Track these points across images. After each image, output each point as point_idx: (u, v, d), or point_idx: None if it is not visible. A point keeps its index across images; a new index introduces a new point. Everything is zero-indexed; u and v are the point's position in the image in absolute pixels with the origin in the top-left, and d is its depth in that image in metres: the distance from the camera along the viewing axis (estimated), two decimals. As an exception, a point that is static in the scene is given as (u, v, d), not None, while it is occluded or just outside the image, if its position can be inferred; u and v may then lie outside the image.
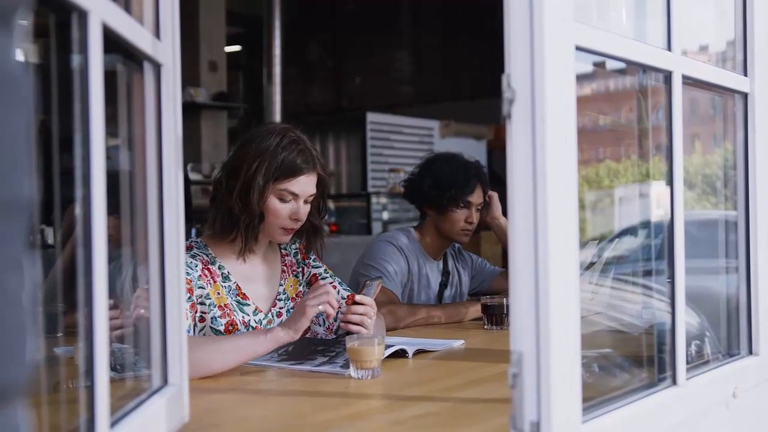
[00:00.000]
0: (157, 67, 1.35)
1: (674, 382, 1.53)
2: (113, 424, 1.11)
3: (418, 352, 2.20)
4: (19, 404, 0.59)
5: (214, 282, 2.21)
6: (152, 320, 1.38)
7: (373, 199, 7.72)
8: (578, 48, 1.25)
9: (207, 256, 2.23)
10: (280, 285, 2.37)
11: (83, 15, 1.00)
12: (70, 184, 1.05)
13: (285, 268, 2.40)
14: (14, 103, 0.57)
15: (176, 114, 1.40)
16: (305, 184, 2.23)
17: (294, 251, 2.45)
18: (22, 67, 0.59)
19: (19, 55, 0.60)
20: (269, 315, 2.30)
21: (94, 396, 1.02)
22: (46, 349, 1.33)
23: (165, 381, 1.38)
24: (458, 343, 2.37)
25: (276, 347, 2.02)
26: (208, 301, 2.17)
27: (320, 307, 2.00)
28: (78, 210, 1.04)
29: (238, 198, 2.18)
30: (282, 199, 2.21)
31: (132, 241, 1.41)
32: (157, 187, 1.36)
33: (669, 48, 1.53)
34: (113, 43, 1.13)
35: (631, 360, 1.74)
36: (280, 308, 2.34)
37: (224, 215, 2.22)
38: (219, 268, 2.24)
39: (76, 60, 1.03)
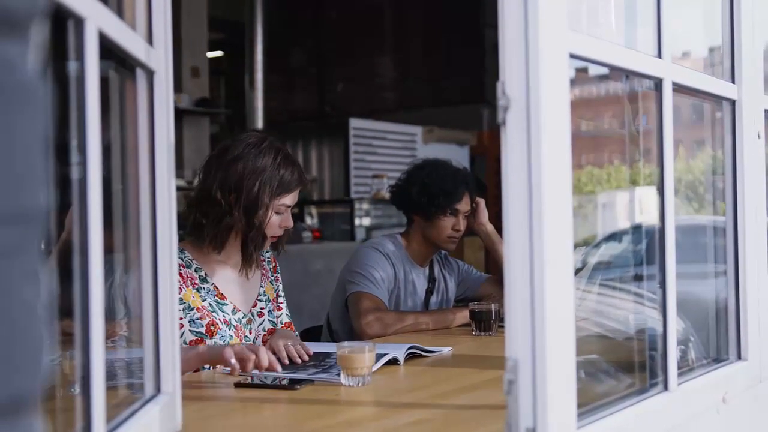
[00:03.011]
0: (150, 74, 1.35)
1: (666, 387, 1.53)
2: (108, 433, 1.10)
3: (410, 357, 2.20)
4: (36, 414, 0.59)
5: (187, 286, 2.26)
6: (145, 329, 1.37)
7: (357, 205, 7.69)
8: (572, 55, 1.26)
9: (182, 259, 2.26)
10: (261, 286, 2.44)
11: (80, 22, 1.00)
12: (59, 191, 1.04)
13: (264, 271, 2.48)
14: (30, 112, 0.57)
15: (169, 121, 1.39)
16: (296, 195, 2.36)
17: (267, 260, 2.53)
18: (37, 76, 0.59)
19: (35, 64, 0.59)
20: (249, 315, 2.37)
21: (90, 405, 1.01)
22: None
23: (158, 389, 1.37)
24: (447, 350, 2.37)
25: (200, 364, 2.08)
26: (182, 306, 2.21)
27: (233, 361, 1.93)
28: (73, 217, 1.03)
29: (244, 216, 2.25)
30: (277, 213, 2.31)
31: (123, 247, 1.40)
32: (150, 194, 1.36)
33: (659, 55, 1.54)
34: (107, 49, 1.12)
35: (620, 366, 1.75)
36: (261, 308, 2.42)
37: (225, 231, 2.28)
38: (196, 271, 2.30)
39: (71, 66, 1.02)
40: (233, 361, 1.91)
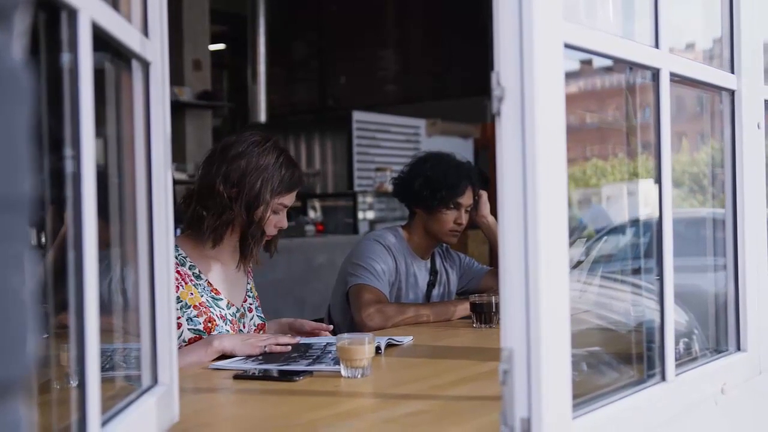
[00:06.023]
0: (145, 65, 1.35)
1: (663, 378, 1.54)
2: (104, 423, 1.10)
3: (389, 346, 2.25)
4: (21, 400, 0.59)
5: (186, 284, 2.28)
6: (142, 320, 1.37)
7: (360, 199, 7.69)
8: (567, 45, 1.26)
9: (176, 257, 2.27)
10: (248, 283, 2.49)
11: (73, 13, 1.00)
12: (55, 185, 1.04)
13: (249, 270, 2.52)
14: (14, 100, 0.57)
15: (165, 113, 1.39)
16: (294, 196, 2.40)
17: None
18: (21, 65, 0.59)
19: (19, 53, 0.59)
20: (242, 309, 2.42)
21: (85, 396, 1.01)
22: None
23: (155, 380, 1.38)
24: (408, 339, 2.40)
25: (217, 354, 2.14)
26: (179, 304, 2.23)
27: (266, 349, 2.15)
28: (67, 211, 1.03)
29: (245, 211, 2.29)
30: (275, 212, 2.34)
31: (120, 241, 1.40)
32: (146, 187, 1.36)
33: (657, 45, 1.54)
34: (101, 41, 1.12)
35: (621, 357, 1.75)
36: (250, 304, 2.47)
37: (225, 225, 2.30)
38: (189, 268, 2.32)
39: (65, 58, 1.02)
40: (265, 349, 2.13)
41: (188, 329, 2.24)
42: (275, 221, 2.36)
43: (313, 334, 2.44)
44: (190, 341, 2.22)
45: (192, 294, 2.28)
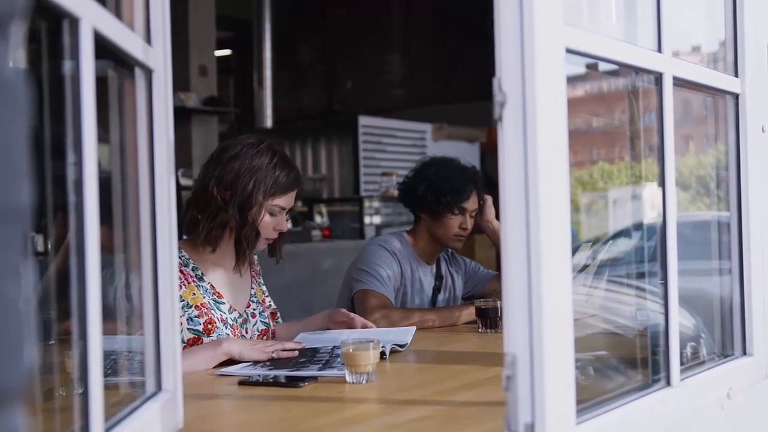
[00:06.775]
0: (148, 72, 1.35)
1: (668, 383, 1.53)
2: (107, 430, 1.10)
3: (393, 352, 2.25)
4: (18, 409, 0.59)
5: (189, 283, 2.29)
6: (146, 327, 1.37)
7: (366, 203, 7.69)
8: (569, 50, 1.26)
9: (180, 258, 2.28)
10: (252, 288, 2.49)
11: (74, 21, 1.00)
12: (62, 191, 1.04)
13: (254, 274, 2.53)
14: (12, 110, 0.58)
15: (168, 120, 1.39)
16: (292, 198, 2.39)
17: (255, 261, 2.59)
18: (19, 74, 0.59)
19: (16, 62, 0.60)
20: (244, 314, 2.42)
21: (89, 402, 1.02)
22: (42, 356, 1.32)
23: (159, 387, 1.38)
24: (411, 330, 2.45)
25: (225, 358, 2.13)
26: (181, 303, 2.24)
27: (273, 354, 2.14)
28: (70, 217, 1.03)
29: (238, 213, 2.28)
30: (271, 214, 2.34)
31: (124, 248, 1.40)
32: (149, 193, 1.36)
33: (659, 49, 1.54)
34: (104, 48, 1.13)
35: (626, 361, 1.75)
36: (254, 309, 2.47)
37: (219, 228, 2.30)
38: (193, 270, 2.33)
39: (67, 66, 1.03)
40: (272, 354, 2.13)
41: (188, 329, 2.24)
42: (274, 224, 2.35)
43: (351, 326, 2.47)
44: (189, 342, 2.23)
45: (194, 294, 2.28)
